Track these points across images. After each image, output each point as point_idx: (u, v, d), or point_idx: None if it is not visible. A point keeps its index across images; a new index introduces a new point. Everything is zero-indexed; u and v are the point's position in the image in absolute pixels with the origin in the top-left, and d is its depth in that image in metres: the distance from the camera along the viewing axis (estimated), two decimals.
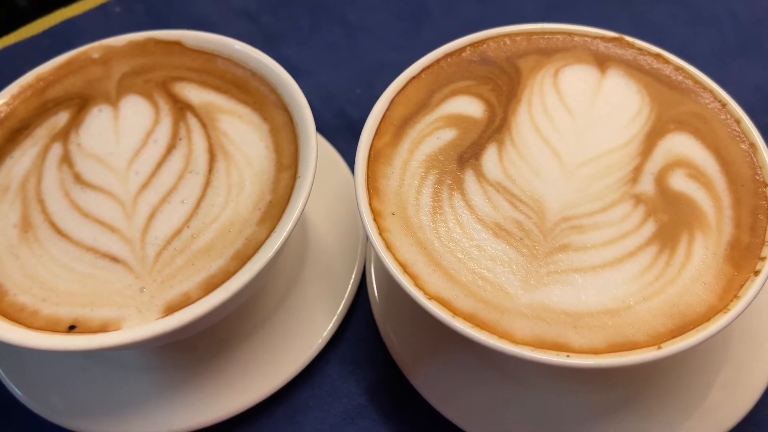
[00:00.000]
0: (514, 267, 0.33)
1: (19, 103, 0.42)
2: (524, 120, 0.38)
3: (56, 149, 0.40)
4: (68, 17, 0.55)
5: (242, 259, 0.35)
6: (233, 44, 0.43)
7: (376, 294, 0.42)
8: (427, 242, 0.34)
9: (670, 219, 0.34)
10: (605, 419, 0.38)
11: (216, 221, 0.37)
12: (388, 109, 0.39)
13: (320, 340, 0.41)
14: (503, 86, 0.40)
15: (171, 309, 0.34)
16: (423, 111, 0.39)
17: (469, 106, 0.39)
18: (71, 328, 0.33)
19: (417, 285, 0.32)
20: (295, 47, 0.57)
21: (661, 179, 0.36)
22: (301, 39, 0.58)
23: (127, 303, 0.34)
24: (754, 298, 0.31)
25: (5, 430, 0.40)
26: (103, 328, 0.33)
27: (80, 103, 0.42)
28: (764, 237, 0.33)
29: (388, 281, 0.42)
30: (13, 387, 0.40)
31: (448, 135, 0.38)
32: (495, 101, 0.39)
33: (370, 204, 0.35)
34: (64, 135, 0.41)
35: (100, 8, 0.56)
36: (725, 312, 0.31)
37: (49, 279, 0.35)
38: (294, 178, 0.37)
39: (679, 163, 0.36)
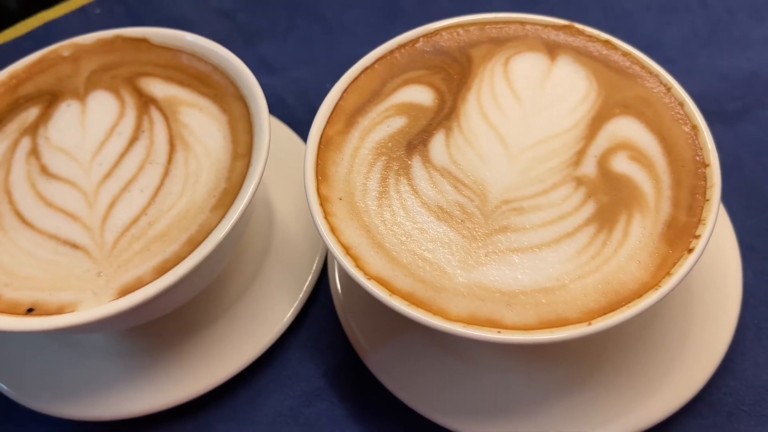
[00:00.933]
0: (454, 248, 0.34)
1: None
2: (473, 107, 0.39)
3: (25, 143, 0.42)
4: (50, 20, 0.57)
5: (195, 244, 0.36)
6: (196, 40, 0.44)
7: (337, 282, 0.43)
8: (372, 226, 0.35)
9: (610, 200, 0.35)
10: (558, 397, 0.38)
11: (173, 209, 0.38)
12: (340, 99, 0.40)
13: (280, 326, 0.42)
14: (454, 75, 0.41)
15: (124, 292, 0.35)
16: (375, 100, 0.40)
17: (420, 95, 0.40)
18: (29, 311, 0.35)
19: (358, 266, 0.33)
20: (271, 45, 0.59)
21: (603, 162, 0.36)
22: (278, 36, 0.60)
23: (84, 287, 0.36)
24: (687, 274, 0.32)
25: None
26: (59, 311, 0.35)
27: (50, 99, 0.44)
28: (701, 216, 0.33)
29: None
30: None
31: (399, 123, 0.39)
32: (446, 89, 0.40)
33: (318, 189, 0.36)
34: (33, 129, 0.42)
35: (81, 10, 0.58)
36: (656, 289, 0.31)
37: (12, 265, 0.37)
38: (247, 166, 0.38)
39: (621, 146, 0.37)
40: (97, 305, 0.35)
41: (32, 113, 0.43)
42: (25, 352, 0.43)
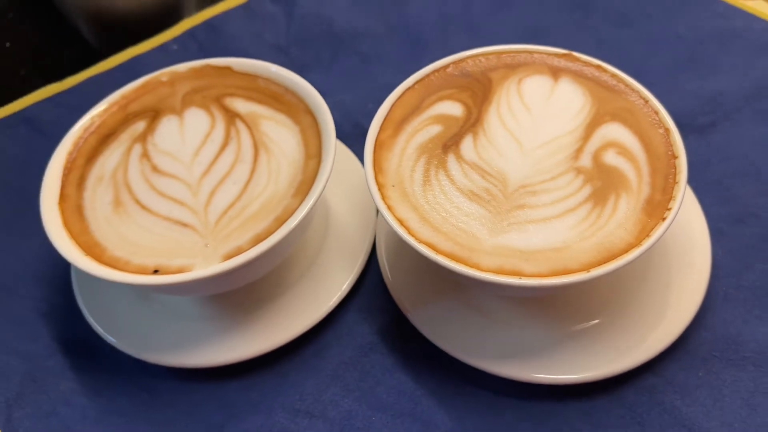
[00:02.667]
0: (483, 221, 0.44)
1: (107, 116, 0.55)
2: (493, 117, 0.50)
3: (137, 149, 0.53)
4: (135, 54, 0.69)
5: (281, 221, 0.46)
6: (270, 67, 0.55)
7: (384, 258, 0.53)
8: (418, 205, 0.46)
9: (603, 184, 0.45)
10: (563, 343, 0.48)
11: (261, 196, 0.48)
12: (389, 112, 0.51)
13: (339, 293, 0.52)
14: (478, 92, 0.52)
15: (228, 257, 0.45)
16: (416, 112, 0.51)
17: (451, 108, 0.51)
18: (155, 272, 0.45)
19: (410, 234, 0.44)
20: (319, 73, 0.70)
21: (597, 156, 0.47)
22: (324, 67, 0.71)
23: (195, 255, 0.46)
24: (662, 236, 0.42)
25: (102, 361, 0.52)
26: (178, 271, 0.45)
27: (153, 115, 0.55)
28: (672, 194, 0.44)
29: (393, 243, 0.53)
30: (105, 333, 0.52)
31: (435, 129, 0.50)
32: (471, 104, 0.51)
33: (376, 179, 0.47)
34: (142, 138, 0.53)
35: (162, 47, 0.69)
36: (639, 247, 0.42)
37: (136, 240, 0.47)
38: (318, 163, 0.49)
39: (610, 144, 0.47)
40: (206, 268, 0.45)
41: (140, 126, 0.54)
42: (129, 315, 0.53)
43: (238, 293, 0.52)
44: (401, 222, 0.45)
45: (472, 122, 0.50)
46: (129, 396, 0.51)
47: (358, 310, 0.53)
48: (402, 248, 0.53)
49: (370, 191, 0.46)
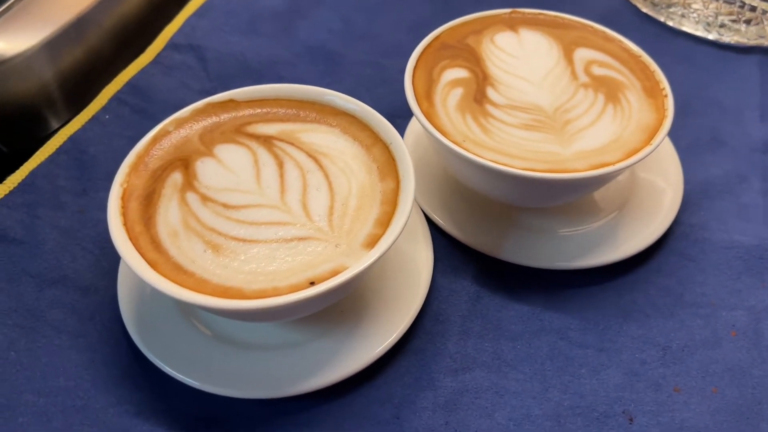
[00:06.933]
0: (550, 140, 0.53)
1: (134, 179, 0.51)
2: (495, 69, 0.59)
3: (191, 196, 0.50)
4: (71, 134, 0.62)
5: (389, 202, 0.49)
6: (274, 88, 0.56)
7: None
8: (498, 148, 0.52)
9: (608, 89, 0.57)
10: (594, 247, 0.58)
11: (351, 189, 0.50)
12: (414, 86, 0.56)
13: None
14: (468, 56, 0.60)
15: (368, 245, 0.46)
16: (434, 84, 0.57)
17: (458, 73, 0.58)
18: (311, 284, 0.45)
19: (510, 167, 0.50)
20: None
21: (588, 73, 0.58)
22: None
23: (335, 256, 0.46)
24: (673, 114, 0.54)
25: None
26: (335, 274, 0.45)
27: (183, 163, 0.52)
28: (657, 78, 0.57)
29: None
30: (167, 367, 0.49)
31: (459, 91, 0.56)
32: (471, 66, 0.59)
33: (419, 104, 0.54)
34: (189, 186, 0.50)
35: (94, 119, 0.64)
36: (666, 118, 0.54)
37: (270, 269, 0.45)
38: (383, 145, 0.52)
39: (591, 63, 0.59)
40: (358, 260, 0.46)
41: (177, 177, 0.51)
42: (194, 350, 0.51)
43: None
44: (458, 144, 0.51)
45: (482, 78, 0.58)
46: None
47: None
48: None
49: (417, 118, 0.52)
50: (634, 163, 0.50)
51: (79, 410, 0.48)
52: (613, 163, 0.50)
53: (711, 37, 0.80)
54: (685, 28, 0.81)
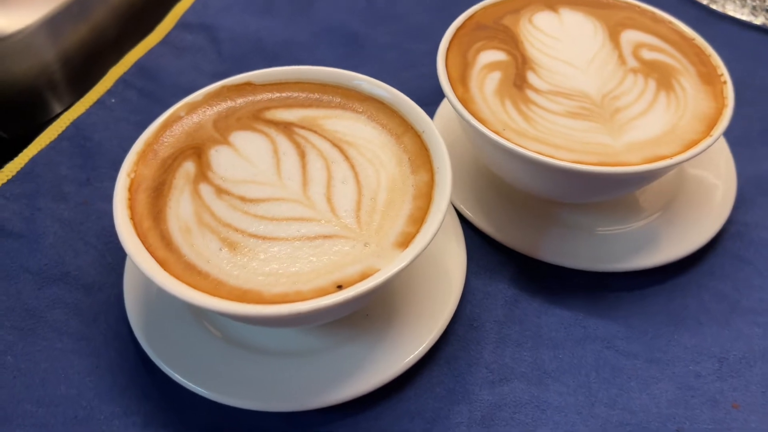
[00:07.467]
0: (600, 131, 0.48)
1: (143, 168, 0.46)
2: (535, 52, 0.54)
3: (205, 188, 0.45)
4: (73, 119, 0.58)
5: (422, 197, 0.44)
6: (296, 70, 0.52)
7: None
8: (542, 138, 0.47)
9: (659, 75, 0.52)
10: (640, 247, 0.53)
11: (380, 183, 0.45)
12: (448, 71, 0.51)
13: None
14: (505, 38, 0.55)
15: (401, 244, 0.42)
16: (469, 68, 0.52)
17: (495, 56, 0.53)
18: (339, 287, 0.40)
19: (555, 158, 0.45)
20: None
21: (637, 57, 0.53)
22: None
23: (364, 257, 0.42)
24: (733, 100, 0.49)
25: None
26: (364, 277, 0.40)
27: (195, 152, 0.48)
28: (714, 63, 0.52)
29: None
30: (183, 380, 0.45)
31: (497, 75, 0.52)
32: (508, 47, 0.54)
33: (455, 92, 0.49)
34: (202, 177, 0.46)
35: (98, 104, 0.59)
36: (726, 107, 0.49)
37: (292, 270, 0.41)
38: (415, 133, 0.48)
39: (639, 46, 0.54)
40: (390, 261, 0.41)
41: (189, 167, 0.47)
42: (207, 356, 0.47)
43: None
44: (484, 123, 0.47)
45: (522, 61, 0.53)
46: None
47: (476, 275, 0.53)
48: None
49: (452, 104, 0.48)
50: (694, 156, 0.45)
51: (82, 421, 0.44)
52: (670, 156, 0.45)
53: (758, 21, 0.74)
54: (729, 12, 0.76)
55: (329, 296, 0.39)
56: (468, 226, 0.55)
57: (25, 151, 0.55)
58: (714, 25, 0.75)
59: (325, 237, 0.43)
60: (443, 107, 0.62)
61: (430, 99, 0.59)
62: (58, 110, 0.64)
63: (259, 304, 0.39)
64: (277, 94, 0.51)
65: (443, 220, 0.42)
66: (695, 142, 0.46)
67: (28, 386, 0.45)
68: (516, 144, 0.46)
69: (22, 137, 0.58)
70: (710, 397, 0.46)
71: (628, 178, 0.46)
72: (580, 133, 0.48)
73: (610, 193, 0.50)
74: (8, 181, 0.53)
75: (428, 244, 0.41)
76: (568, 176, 0.46)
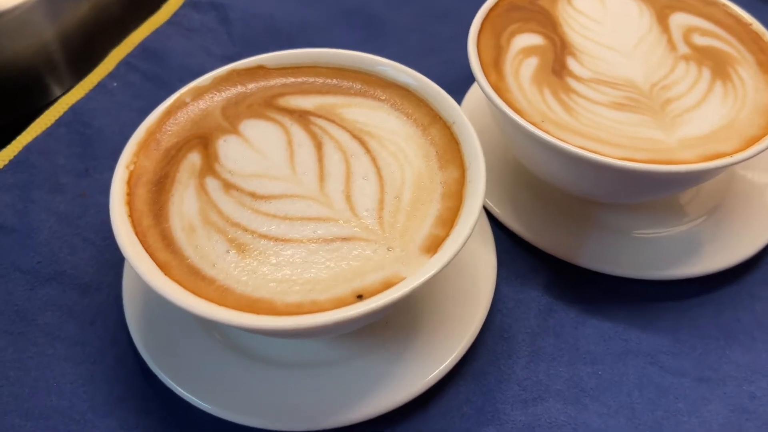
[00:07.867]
0: (649, 124, 0.43)
1: (142, 159, 0.42)
2: (575, 36, 0.49)
3: (211, 183, 0.41)
4: (71, 104, 0.54)
5: (452, 196, 0.40)
6: (312, 53, 0.47)
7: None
8: (584, 132, 0.42)
9: (714, 63, 0.47)
10: (687, 253, 0.48)
11: (405, 180, 0.41)
12: (479, 53, 0.47)
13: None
14: (542, 20, 0.50)
15: (428, 248, 0.37)
16: (503, 53, 0.47)
17: (531, 39, 0.49)
18: (359, 297, 0.36)
19: (602, 154, 0.40)
20: None
21: (688, 43, 0.48)
22: None
23: (387, 264, 0.37)
24: None
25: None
26: (387, 286, 0.36)
27: (202, 142, 0.43)
28: None
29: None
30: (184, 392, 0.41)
31: (534, 61, 0.47)
32: (546, 31, 0.49)
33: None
34: (209, 170, 0.42)
35: (99, 87, 0.55)
36: None
37: (307, 277, 0.37)
38: (444, 125, 0.43)
39: (690, 30, 0.49)
40: (416, 269, 0.37)
41: (194, 158, 0.42)
42: (212, 367, 0.43)
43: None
44: (521, 113, 0.43)
45: (561, 46, 0.48)
46: None
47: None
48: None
49: (486, 94, 0.44)
50: (758, 154, 0.40)
51: None
52: (731, 154, 0.41)
53: None
54: None
55: (348, 308, 0.35)
56: (497, 226, 0.50)
57: (19, 138, 0.51)
58: (763, 9, 0.69)
59: (344, 239, 0.38)
60: (469, 96, 0.58)
61: (455, 87, 0.54)
62: (58, 93, 0.60)
63: (270, 316, 0.35)
64: (292, 80, 0.47)
65: (476, 222, 0.38)
66: (756, 138, 0.42)
67: (17, 397, 0.41)
68: (557, 138, 0.41)
69: (18, 122, 0.54)
70: (767, 421, 0.42)
71: (683, 178, 0.41)
72: (628, 127, 0.43)
73: (658, 193, 0.46)
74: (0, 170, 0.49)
75: (459, 250, 0.36)
76: (615, 175, 0.41)
